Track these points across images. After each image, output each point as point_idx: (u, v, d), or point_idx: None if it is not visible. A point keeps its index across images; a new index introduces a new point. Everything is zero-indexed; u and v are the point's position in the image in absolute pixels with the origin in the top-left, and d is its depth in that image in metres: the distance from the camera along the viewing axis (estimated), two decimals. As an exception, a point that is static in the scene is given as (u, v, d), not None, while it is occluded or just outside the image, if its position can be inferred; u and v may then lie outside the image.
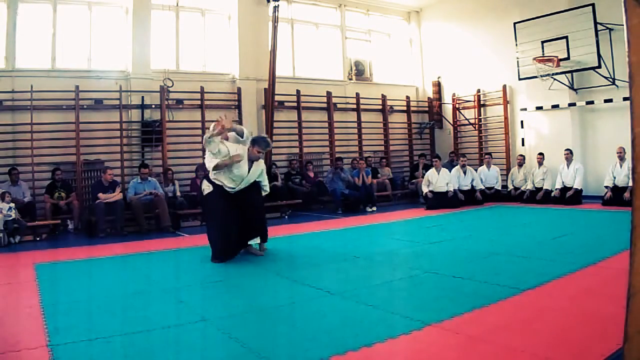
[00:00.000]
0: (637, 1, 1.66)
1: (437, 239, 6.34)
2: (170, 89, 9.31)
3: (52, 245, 6.92)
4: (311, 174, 10.50)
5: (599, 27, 8.72)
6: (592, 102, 9.65)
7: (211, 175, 5.28)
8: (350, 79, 12.14)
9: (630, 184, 1.99)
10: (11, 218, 6.97)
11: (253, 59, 10.38)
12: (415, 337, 2.81)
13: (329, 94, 11.29)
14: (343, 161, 10.48)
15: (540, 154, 9.89)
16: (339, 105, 11.54)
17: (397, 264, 4.93)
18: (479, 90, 11.85)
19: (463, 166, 10.25)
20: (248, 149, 5.31)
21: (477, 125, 11.96)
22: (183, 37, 10.09)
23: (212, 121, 9.61)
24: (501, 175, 10.66)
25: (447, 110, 12.67)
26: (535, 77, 9.78)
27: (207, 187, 5.35)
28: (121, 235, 7.66)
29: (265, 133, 10.05)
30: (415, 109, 12.99)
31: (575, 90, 9.86)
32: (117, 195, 7.93)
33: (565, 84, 9.80)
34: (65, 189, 8.15)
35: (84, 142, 8.58)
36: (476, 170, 10.51)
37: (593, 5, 8.67)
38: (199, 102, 9.71)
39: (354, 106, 11.77)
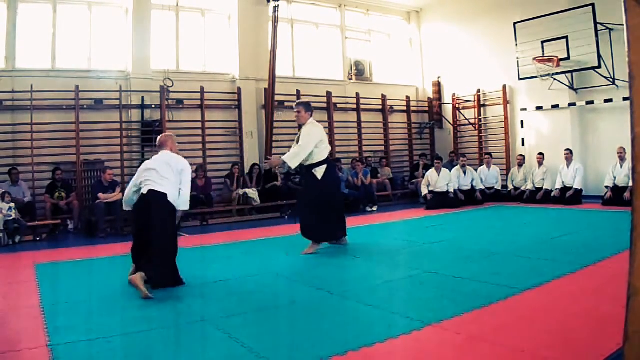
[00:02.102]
0: (637, 1, 1.66)
1: (437, 239, 6.34)
2: (170, 89, 9.32)
3: (52, 245, 6.92)
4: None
5: (599, 27, 8.72)
6: (592, 102, 9.65)
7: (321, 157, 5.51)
8: (350, 79, 12.14)
9: (631, 184, 1.99)
10: (11, 218, 6.98)
11: (253, 59, 10.38)
12: (415, 337, 2.81)
13: (329, 94, 11.29)
14: (341, 162, 10.47)
15: (540, 154, 9.89)
16: (339, 105, 11.53)
17: (397, 264, 4.93)
18: (479, 90, 11.85)
19: (463, 166, 10.25)
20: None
21: (477, 125, 11.96)
22: (183, 37, 10.09)
23: (212, 121, 9.76)
24: (501, 175, 10.65)
25: (447, 110, 12.67)
26: (535, 77, 9.78)
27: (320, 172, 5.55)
28: (121, 235, 7.66)
29: (265, 133, 10.09)
30: (415, 109, 12.99)
31: (575, 90, 9.85)
32: (117, 195, 7.92)
33: (565, 84, 9.80)
34: (65, 189, 8.15)
35: (84, 142, 8.58)
36: (476, 170, 10.51)
37: (593, 5, 8.66)
38: (199, 102, 9.71)
39: (354, 106, 11.77)
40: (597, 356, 2.40)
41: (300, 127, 5.79)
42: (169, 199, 4.33)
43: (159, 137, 4.86)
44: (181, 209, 4.49)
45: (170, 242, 4.31)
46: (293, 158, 5.46)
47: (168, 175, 4.40)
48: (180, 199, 4.45)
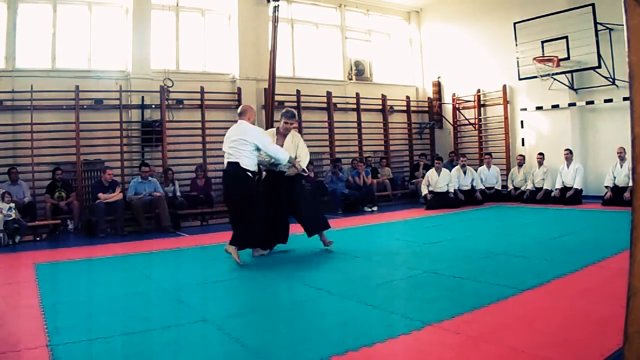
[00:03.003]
0: (637, 1, 1.66)
1: (437, 239, 6.34)
2: (170, 89, 9.31)
3: (52, 245, 6.92)
4: (311, 174, 10.49)
5: (599, 27, 8.72)
6: (592, 102, 9.64)
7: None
8: (350, 79, 12.14)
9: (630, 184, 1.99)
10: (11, 218, 6.98)
11: (253, 59, 10.38)
12: (415, 337, 2.81)
13: (329, 94, 11.28)
14: (341, 162, 10.48)
15: (540, 154, 9.89)
16: (339, 105, 11.53)
17: (397, 264, 4.93)
18: (479, 90, 11.85)
19: (463, 166, 10.26)
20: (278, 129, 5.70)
21: (477, 125, 11.96)
22: (183, 37, 10.09)
23: (212, 121, 9.78)
24: (501, 175, 10.65)
25: (447, 110, 12.66)
26: (535, 77, 9.78)
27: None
28: (121, 235, 7.67)
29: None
30: (415, 109, 12.98)
31: (575, 90, 9.85)
32: (117, 195, 7.93)
33: (565, 84, 9.80)
34: (65, 189, 8.15)
35: (84, 142, 8.57)
36: (476, 170, 10.51)
37: (593, 5, 8.66)
38: (199, 102, 9.71)
39: (354, 106, 11.77)
40: (597, 356, 2.40)
41: (283, 133, 5.67)
42: (242, 165, 5.02)
43: (241, 106, 5.46)
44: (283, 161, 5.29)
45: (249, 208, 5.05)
46: (305, 164, 5.71)
47: (236, 144, 5.06)
48: (272, 156, 5.21)
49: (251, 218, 5.07)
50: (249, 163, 5.08)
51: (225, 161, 5.22)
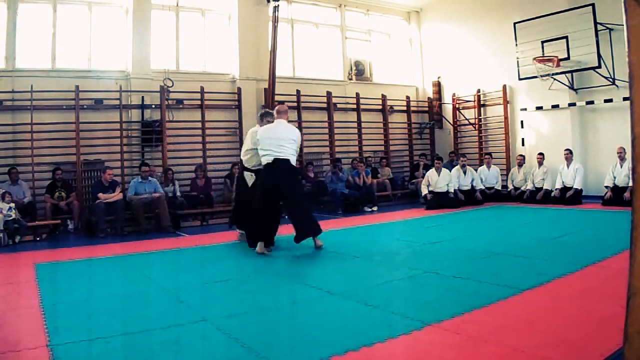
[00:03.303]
0: (637, 1, 1.66)
1: (437, 239, 6.34)
2: (170, 89, 9.31)
3: (52, 245, 6.92)
4: (311, 174, 10.50)
5: (599, 27, 8.72)
6: (592, 102, 9.64)
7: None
8: (350, 79, 12.14)
9: (630, 184, 1.99)
10: (11, 218, 6.97)
11: (253, 59, 10.38)
12: (415, 337, 2.81)
13: (329, 94, 11.28)
14: (341, 162, 10.48)
15: (540, 154, 9.89)
16: (339, 105, 11.53)
17: (397, 264, 4.93)
18: (479, 90, 11.85)
19: (463, 166, 10.25)
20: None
21: (477, 125, 11.96)
22: (183, 37, 10.09)
23: (212, 121, 9.79)
24: (501, 175, 10.65)
25: (447, 110, 12.66)
26: (535, 77, 9.78)
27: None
28: (121, 235, 7.66)
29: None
30: (415, 109, 12.99)
31: (575, 90, 9.85)
32: (117, 195, 7.93)
33: (565, 84, 9.80)
34: (65, 189, 8.15)
35: (84, 142, 8.57)
36: (476, 170, 10.51)
37: (593, 5, 8.66)
38: (199, 102, 9.71)
39: (354, 106, 11.77)
40: (597, 356, 2.40)
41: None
42: (292, 163, 5.47)
43: (279, 106, 5.83)
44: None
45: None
46: None
47: (286, 143, 5.44)
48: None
49: (304, 208, 5.66)
50: (294, 160, 5.57)
51: (269, 158, 5.45)
